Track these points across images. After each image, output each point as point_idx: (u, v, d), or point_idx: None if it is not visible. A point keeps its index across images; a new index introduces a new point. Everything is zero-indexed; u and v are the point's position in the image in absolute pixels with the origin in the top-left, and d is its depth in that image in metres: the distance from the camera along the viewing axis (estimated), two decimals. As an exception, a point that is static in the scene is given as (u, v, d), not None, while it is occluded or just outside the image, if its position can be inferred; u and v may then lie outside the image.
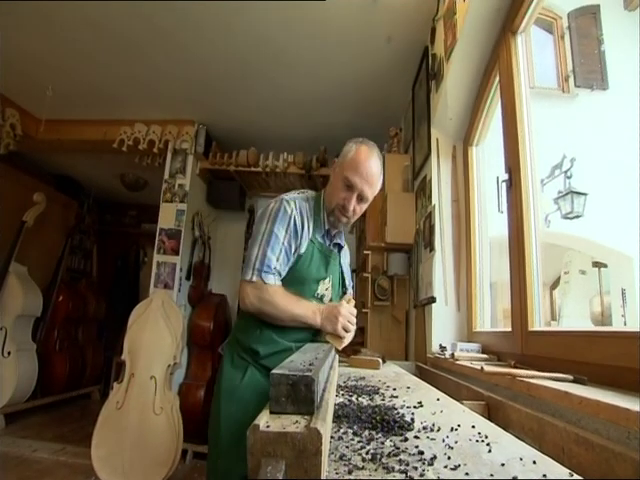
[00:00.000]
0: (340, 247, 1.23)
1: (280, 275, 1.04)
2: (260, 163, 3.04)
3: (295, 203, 1.09)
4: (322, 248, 1.13)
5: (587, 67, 2.29)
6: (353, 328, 1.03)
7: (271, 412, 0.27)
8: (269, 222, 1.05)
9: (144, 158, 3.17)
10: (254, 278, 1.00)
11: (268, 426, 0.26)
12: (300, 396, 0.27)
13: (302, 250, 1.08)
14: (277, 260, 1.03)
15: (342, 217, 1.11)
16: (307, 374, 0.29)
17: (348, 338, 1.03)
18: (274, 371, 0.29)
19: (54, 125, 3.00)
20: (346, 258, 1.30)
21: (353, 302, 1.11)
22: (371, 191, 1.09)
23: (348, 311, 1.03)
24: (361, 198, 1.09)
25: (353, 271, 2.31)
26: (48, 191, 3.73)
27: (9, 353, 3.02)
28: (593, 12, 2.17)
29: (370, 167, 1.06)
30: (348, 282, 1.31)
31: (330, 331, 1.00)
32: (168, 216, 2.97)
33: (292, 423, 0.26)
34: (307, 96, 2.64)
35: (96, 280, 4.61)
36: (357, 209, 1.11)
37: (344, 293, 1.27)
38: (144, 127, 2.99)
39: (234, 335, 1.16)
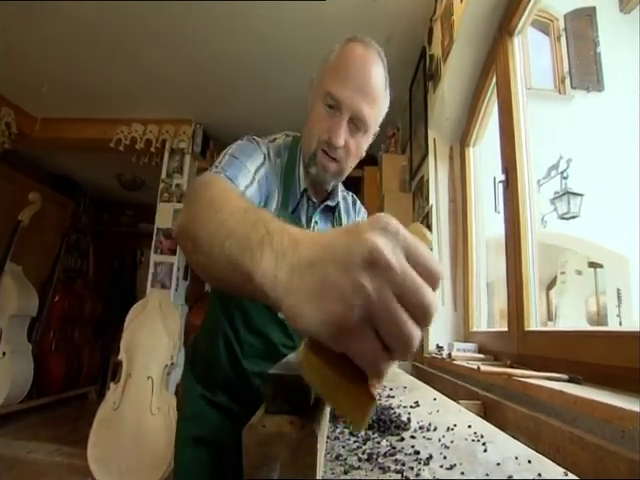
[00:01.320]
0: (333, 210, 0.81)
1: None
2: (258, 163, 3.04)
3: (268, 151, 0.71)
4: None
5: (583, 69, 2.30)
6: (417, 335, 0.22)
7: (266, 412, 0.27)
8: (228, 150, 0.66)
9: (141, 157, 3.16)
10: (206, 175, 0.57)
11: (263, 426, 0.26)
12: (296, 396, 0.27)
13: None
14: (244, 186, 0.62)
15: (328, 163, 0.68)
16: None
17: (383, 379, 0.25)
18: (270, 371, 0.29)
19: (50, 124, 2.99)
20: (352, 215, 0.86)
21: (428, 235, 0.46)
22: (371, 110, 0.66)
23: (415, 249, 0.24)
24: (357, 124, 0.66)
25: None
26: (44, 190, 3.71)
27: (4, 354, 3.00)
28: (589, 14, 2.19)
29: (367, 71, 0.65)
30: None
31: (314, 325, 0.22)
32: (165, 216, 2.96)
33: (288, 423, 0.26)
34: (305, 96, 2.63)
35: (93, 280, 4.59)
36: (351, 144, 0.67)
37: None
38: (141, 126, 2.98)
39: (195, 342, 0.90)
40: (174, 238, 0.55)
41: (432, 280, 0.23)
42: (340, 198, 0.83)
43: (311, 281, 0.23)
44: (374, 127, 0.70)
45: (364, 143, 0.71)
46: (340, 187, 0.85)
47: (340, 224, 0.80)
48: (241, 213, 0.35)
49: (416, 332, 0.22)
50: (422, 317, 0.22)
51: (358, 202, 0.91)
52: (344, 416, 0.28)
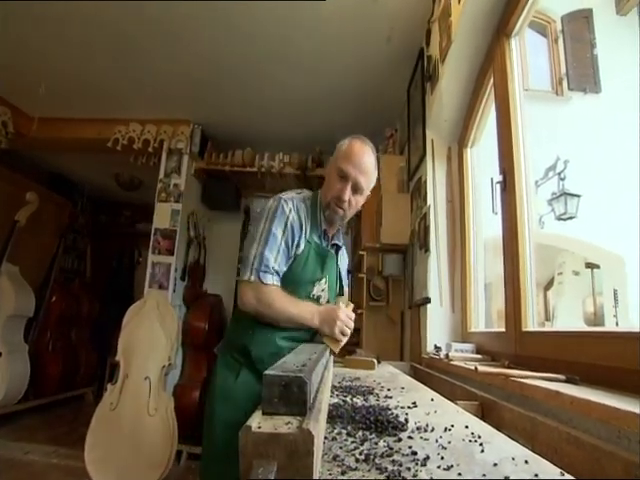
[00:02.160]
0: (338, 247, 1.22)
1: (278, 275, 1.03)
2: (256, 163, 3.03)
3: (293, 203, 1.08)
4: (319, 249, 1.11)
5: (580, 70, 2.31)
6: (350, 332, 1.04)
7: (263, 413, 0.27)
8: (267, 221, 1.04)
9: (139, 157, 3.15)
10: (252, 278, 0.99)
11: (260, 427, 0.26)
12: (292, 397, 0.27)
13: (299, 251, 1.07)
14: (275, 260, 1.01)
15: (338, 209, 1.09)
16: (299, 375, 0.29)
17: (344, 341, 1.04)
18: (267, 372, 0.29)
19: (47, 123, 2.98)
20: (343, 260, 1.29)
21: (352, 306, 1.11)
22: (365, 181, 1.07)
23: (346, 315, 1.02)
24: (356, 189, 1.07)
25: (349, 272, 2.32)
26: (41, 190, 3.69)
27: (0, 354, 2.98)
28: (586, 16, 2.20)
29: (364, 157, 1.06)
30: (345, 284, 1.30)
31: (327, 334, 1.00)
32: (163, 216, 2.95)
33: (284, 424, 0.26)
34: (303, 96, 2.64)
35: (90, 280, 4.57)
36: (352, 201, 1.09)
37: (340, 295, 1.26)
38: (139, 126, 2.97)
39: (227, 335, 1.16)
40: (247, 307, 1.03)
41: (352, 318, 1.06)
42: (342, 241, 1.26)
43: (326, 322, 1.02)
44: (366, 190, 1.11)
45: (360, 200, 1.13)
46: (342, 233, 1.28)
47: (337, 258, 1.21)
48: (294, 306, 1.02)
49: (348, 333, 1.04)
50: (350, 328, 1.04)
51: (344, 249, 1.31)
52: (332, 349, 0.97)
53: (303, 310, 1.02)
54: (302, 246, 1.07)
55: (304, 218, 1.08)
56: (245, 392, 1.02)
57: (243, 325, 1.08)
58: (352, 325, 1.03)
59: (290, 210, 1.06)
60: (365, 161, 1.06)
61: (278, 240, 1.02)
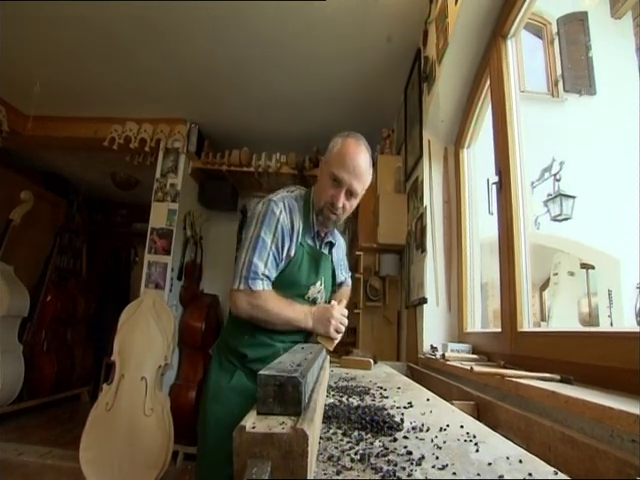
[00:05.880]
0: (332, 245, 1.22)
1: (269, 279, 1.02)
2: (253, 163, 3.03)
3: (284, 204, 1.06)
4: (312, 251, 1.11)
5: (575, 72, 2.33)
6: (344, 329, 1.04)
7: (258, 413, 0.27)
8: (256, 226, 1.03)
9: (135, 157, 3.13)
10: (242, 287, 0.99)
11: (254, 427, 0.26)
12: (287, 397, 0.27)
13: (292, 253, 1.06)
14: (265, 266, 1.00)
15: (331, 215, 1.07)
16: (294, 375, 0.29)
17: (338, 338, 1.05)
18: (261, 372, 0.29)
19: (43, 122, 2.95)
20: (340, 251, 1.29)
21: (344, 302, 1.10)
22: (360, 186, 1.05)
23: (340, 313, 1.03)
24: (350, 193, 1.05)
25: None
26: (36, 189, 3.66)
27: (-6, 354, 2.95)
28: (581, 19, 2.21)
29: (358, 160, 1.02)
30: (343, 273, 1.32)
31: (322, 333, 1.01)
32: (160, 215, 2.94)
33: (279, 424, 0.26)
34: (300, 96, 2.64)
35: (86, 280, 4.54)
36: (347, 205, 1.07)
37: (333, 291, 1.27)
38: (135, 125, 2.95)
39: (223, 338, 1.16)
40: (241, 314, 1.03)
41: (346, 315, 1.07)
42: (336, 234, 1.25)
43: (320, 322, 1.04)
44: (361, 192, 1.08)
45: (355, 203, 1.11)
46: (335, 229, 1.24)
47: (331, 255, 1.22)
48: (288, 309, 1.02)
49: (343, 330, 1.05)
50: (344, 327, 1.05)
51: (341, 238, 1.32)
52: (327, 348, 0.97)
53: (297, 312, 1.02)
54: (294, 248, 1.06)
55: (297, 218, 1.07)
56: (238, 393, 1.03)
57: (239, 328, 1.08)
58: (346, 322, 1.04)
59: (280, 211, 1.04)
60: (360, 164, 1.02)
61: (267, 245, 1.01)
